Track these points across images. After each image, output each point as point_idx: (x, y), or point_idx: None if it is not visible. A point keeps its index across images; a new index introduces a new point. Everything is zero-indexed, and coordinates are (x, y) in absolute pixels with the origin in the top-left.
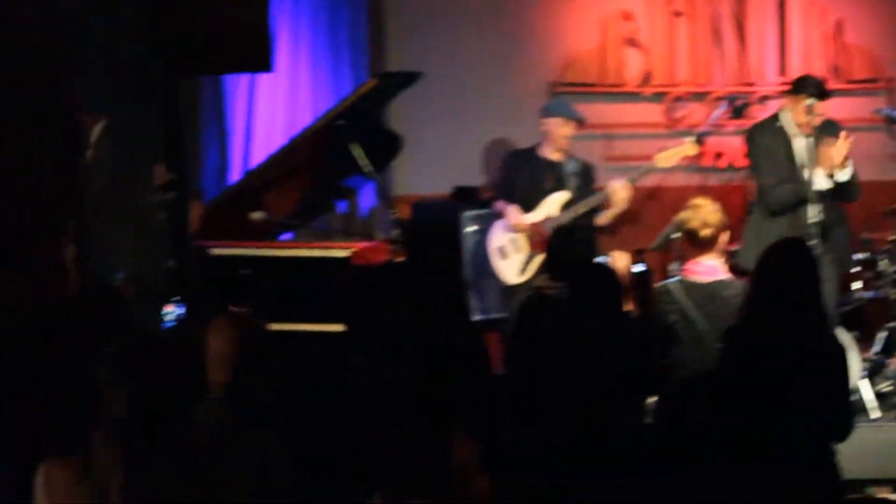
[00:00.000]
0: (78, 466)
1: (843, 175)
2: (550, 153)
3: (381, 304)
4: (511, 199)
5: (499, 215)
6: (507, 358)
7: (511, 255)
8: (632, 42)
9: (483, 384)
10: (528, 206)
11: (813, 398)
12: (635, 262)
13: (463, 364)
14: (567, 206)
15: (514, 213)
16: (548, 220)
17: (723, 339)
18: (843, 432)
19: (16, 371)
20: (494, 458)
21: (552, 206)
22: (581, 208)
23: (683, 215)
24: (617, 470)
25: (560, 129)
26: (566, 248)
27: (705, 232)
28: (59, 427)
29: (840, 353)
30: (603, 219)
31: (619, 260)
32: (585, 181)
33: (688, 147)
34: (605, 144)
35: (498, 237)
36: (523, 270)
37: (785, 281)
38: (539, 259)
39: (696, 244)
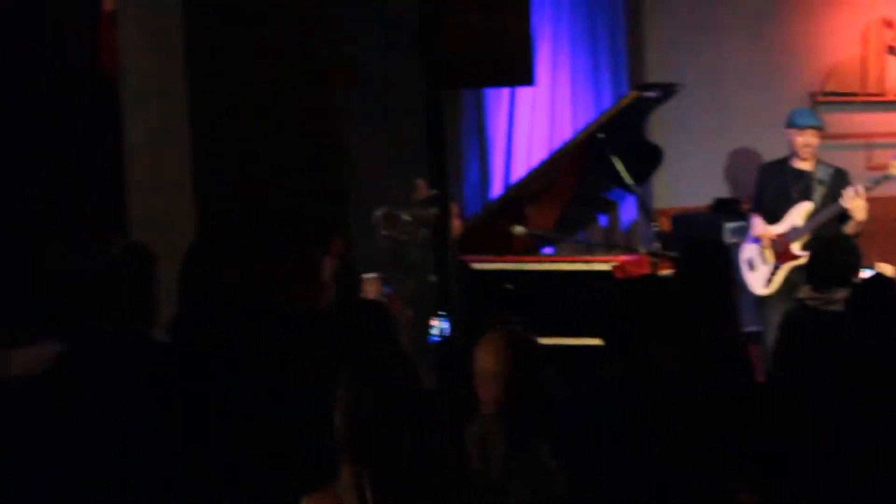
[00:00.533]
0: (335, 499)
1: None
2: (799, 163)
3: (652, 318)
4: (759, 210)
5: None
6: (772, 373)
7: (758, 267)
8: (893, 50)
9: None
10: (776, 217)
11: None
12: None
13: (736, 382)
14: (811, 216)
15: (759, 224)
16: (792, 230)
17: None
18: None
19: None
20: None
21: (797, 216)
22: (822, 218)
23: None
24: None
25: (798, 138)
26: (832, 257)
27: None
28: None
29: None
30: (848, 228)
31: (886, 271)
32: (835, 189)
33: None
34: (867, 154)
35: (748, 249)
36: (769, 282)
37: None
38: (785, 270)
39: None
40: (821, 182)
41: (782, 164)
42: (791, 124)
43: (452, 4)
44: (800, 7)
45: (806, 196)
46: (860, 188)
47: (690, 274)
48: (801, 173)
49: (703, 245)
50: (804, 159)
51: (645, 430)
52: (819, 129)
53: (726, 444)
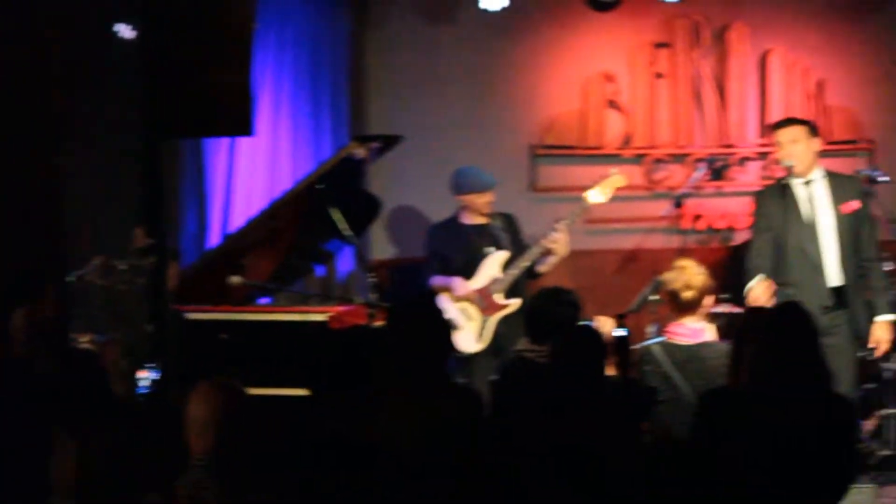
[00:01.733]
0: None
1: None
2: (473, 218)
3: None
4: (448, 273)
5: (438, 291)
6: (491, 425)
7: (464, 325)
8: (612, 104)
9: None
10: (469, 273)
11: (811, 459)
12: (617, 325)
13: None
14: (507, 264)
15: (459, 285)
16: (493, 282)
17: (699, 403)
18: (840, 493)
19: None
20: None
21: (493, 267)
22: (524, 262)
23: (667, 276)
24: None
25: (480, 199)
26: (551, 310)
27: (687, 294)
28: None
29: (847, 412)
30: (544, 267)
31: (604, 325)
32: (515, 234)
33: (617, 179)
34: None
35: (445, 310)
36: (480, 337)
37: (779, 341)
38: (494, 322)
39: (679, 306)
40: (503, 230)
41: (454, 223)
42: (468, 191)
43: (172, 54)
44: (521, 60)
45: (494, 247)
46: (561, 225)
47: (403, 329)
48: (480, 227)
49: (417, 301)
50: (483, 215)
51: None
52: (494, 184)
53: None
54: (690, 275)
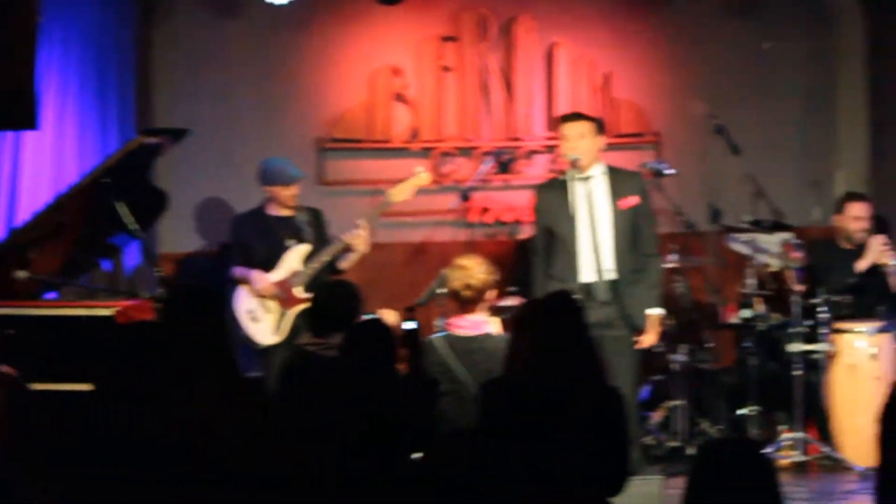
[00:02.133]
0: None
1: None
2: (279, 210)
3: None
4: (250, 263)
5: (240, 281)
6: (273, 419)
7: (262, 317)
8: (400, 97)
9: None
10: (271, 265)
11: (585, 451)
12: (406, 318)
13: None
14: (309, 258)
15: (258, 277)
16: (293, 275)
17: (481, 392)
18: (618, 486)
19: None
20: None
21: (295, 260)
22: (325, 257)
23: (449, 273)
24: None
25: (285, 192)
26: (332, 303)
27: (466, 293)
28: None
29: (617, 404)
30: (345, 263)
31: (388, 317)
32: (319, 228)
33: (421, 177)
34: (373, 200)
35: (245, 301)
36: (278, 329)
37: (548, 331)
38: (292, 315)
39: (460, 303)
40: (308, 223)
41: (259, 214)
42: (275, 182)
43: None
44: (308, 54)
45: (297, 239)
46: (363, 221)
47: (178, 322)
48: (285, 219)
49: (191, 293)
50: (286, 207)
51: None
52: (302, 177)
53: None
54: (470, 275)
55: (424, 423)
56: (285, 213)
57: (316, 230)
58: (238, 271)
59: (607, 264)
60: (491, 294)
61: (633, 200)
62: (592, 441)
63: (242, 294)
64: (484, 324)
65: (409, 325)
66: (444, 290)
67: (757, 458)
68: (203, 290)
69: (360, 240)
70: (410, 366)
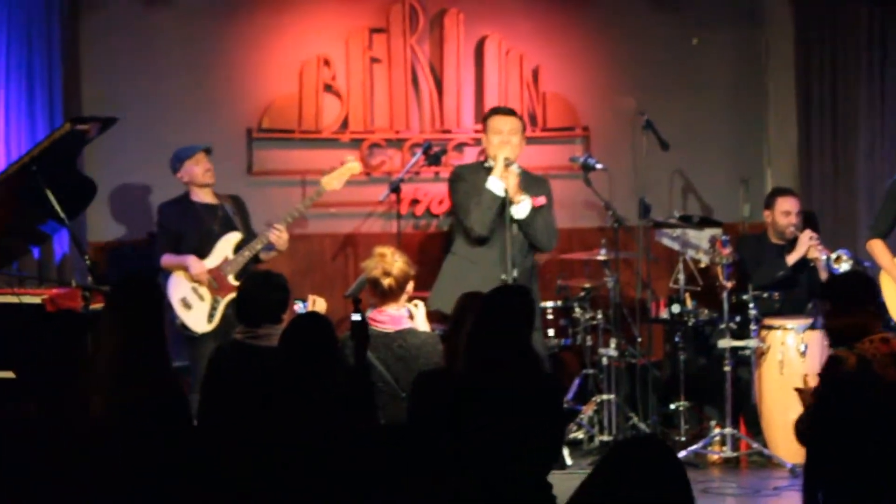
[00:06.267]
0: None
1: (519, 211)
2: (202, 196)
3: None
4: (179, 250)
5: (170, 269)
6: (201, 409)
7: (195, 305)
8: (329, 88)
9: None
10: (202, 253)
11: (527, 440)
12: (354, 310)
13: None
14: (239, 246)
15: (195, 263)
16: (225, 263)
17: (414, 384)
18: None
19: None
20: None
21: (227, 248)
22: (257, 245)
23: (366, 264)
24: None
25: (198, 167)
26: (260, 294)
27: (387, 281)
28: None
29: (555, 393)
30: (266, 256)
31: (319, 304)
32: (244, 216)
33: (352, 166)
34: (302, 191)
35: (178, 288)
36: (211, 317)
37: (486, 324)
38: (224, 303)
39: (380, 293)
40: (234, 212)
41: (185, 202)
42: (184, 157)
43: None
44: (239, 42)
45: (227, 227)
46: (279, 225)
47: (120, 310)
48: (212, 207)
49: (133, 281)
50: (207, 190)
51: None
52: (209, 149)
53: None
54: (389, 262)
55: (366, 416)
56: (210, 200)
57: (242, 218)
58: (169, 258)
59: (514, 259)
60: (410, 286)
61: (541, 200)
62: (530, 429)
63: (175, 281)
64: (403, 318)
65: (356, 316)
66: None
67: (665, 457)
68: (149, 279)
69: (279, 239)
70: (356, 358)
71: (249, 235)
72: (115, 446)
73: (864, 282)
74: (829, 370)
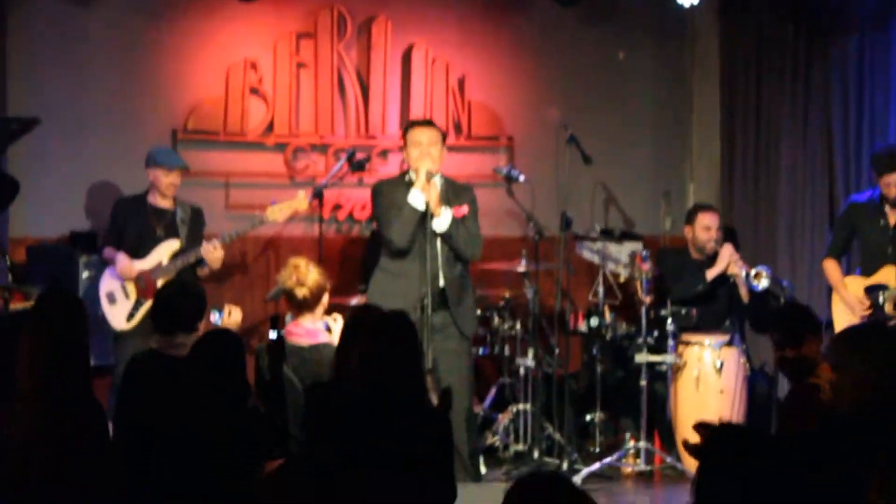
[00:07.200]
0: None
1: (440, 224)
2: (159, 200)
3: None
4: (120, 246)
5: (108, 262)
6: (117, 416)
7: (119, 302)
8: (255, 92)
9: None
10: (139, 253)
11: (415, 464)
12: (271, 326)
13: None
14: (176, 254)
15: (122, 260)
16: (157, 268)
17: (306, 395)
18: (450, 497)
19: None
20: None
21: (163, 253)
22: (191, 257)
23: (281, 274)
24: None
25: (165, 178)
26: (176, 303)
27: (301, 292)
28: None
29: (442, 420)
30: (202, 271)
31: (234, 313)
32: (195, 227)
33: (300, 201)
34: (226, 193)
35: (107, 283)
36: (131, 317)
37: (381, 344)
38: (146, 306)
39: (295, 304)
40: (183, 221)
41: (141, 201)
42: (157, 164)
43: None
44: (166, 44)
45: (171, 234)
46: (216, 242)
47: (42, 323)
48: (163, 211)
49: (57, 296)
50: (167, 197)
51: None
52: (185, 169)
53: None
54: (303, 273)
55: (276, 433)
56: (165, 204)
57: (191, 229)
58: (106, 252)
59: (439, 270)
60: (326, 298)
61: (464, 210)
62: (416, 463)
63: (107, 275)
64: (319, 332)
65: (273, 334)
66: None
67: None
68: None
69: (214, 258)
70: (272, 375)
71: (193, 245)
72: (35, 463)
73: (808, 314)
74: (806, 398)
